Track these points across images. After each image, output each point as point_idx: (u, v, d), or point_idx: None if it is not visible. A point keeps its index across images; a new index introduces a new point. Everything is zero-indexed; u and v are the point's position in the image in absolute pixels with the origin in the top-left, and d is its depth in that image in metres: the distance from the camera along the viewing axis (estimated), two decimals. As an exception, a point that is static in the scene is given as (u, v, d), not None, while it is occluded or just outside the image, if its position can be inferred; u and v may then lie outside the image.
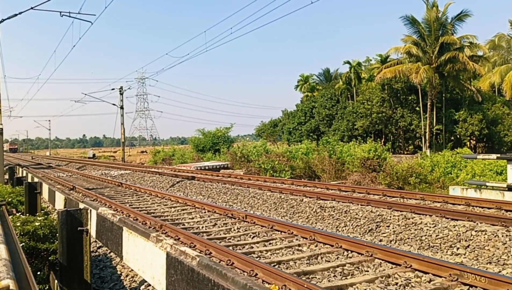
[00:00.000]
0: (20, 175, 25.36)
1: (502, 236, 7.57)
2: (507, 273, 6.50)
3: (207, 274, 4.92)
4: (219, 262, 6.70)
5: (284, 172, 25.53)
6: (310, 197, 12.81)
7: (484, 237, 7.72)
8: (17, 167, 31.15)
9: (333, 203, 11.72)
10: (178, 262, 5.53)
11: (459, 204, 10.89)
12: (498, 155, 13.76)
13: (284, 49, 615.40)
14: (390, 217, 9.70)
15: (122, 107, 44.82)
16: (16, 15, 17.86)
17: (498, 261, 6.93)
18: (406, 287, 5.74)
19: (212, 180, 19.01)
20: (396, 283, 5.92)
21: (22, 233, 7.88)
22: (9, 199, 13.53)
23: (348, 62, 53.30)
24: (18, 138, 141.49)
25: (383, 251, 7.05)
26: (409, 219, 9.36)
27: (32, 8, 17.49)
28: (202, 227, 10.21)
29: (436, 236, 8.28)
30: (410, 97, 41.76)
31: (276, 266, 6.67)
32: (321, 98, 53.50)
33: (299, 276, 6.00)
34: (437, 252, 7.75)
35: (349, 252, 7.45)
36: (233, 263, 6.74)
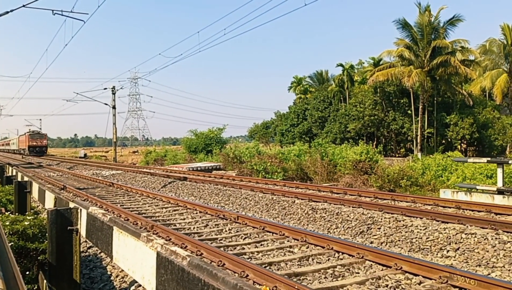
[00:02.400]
0: (10, 174, 25.11)
1: (492, 239, 7.63)
2: (496, 275, 6.55)
3: (197, 274, 4.90)
4: (210, 263, 6.68)
5: (276, 173, 25.55)
6: (302, 199, 12.82)
7: (474, 240, 7.77)
8: (7, 166, 30.84)
9: (324, 205, 11.73)
10: (169, 262, 5.50)
11: (450, 207, 10.96)
12: (489, 159, 13.88)
13: (278, 50, 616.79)
14: (381, 219, 9.73)
15: (114, 107, 44.60)
16: (7, 12, 17.69)
17: (488, 263, 6.99)
18: (396, 289, 5.76)
19: (204, 181, 18.96)
20: (387, 285, 5.94)
21: (11, 233, 7.80)
22: (-2, 198, 13.39)
23: (341, 65, 53.46)
24: (8, 137, 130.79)
25: (374, 253, 7.07)
26: (400, 221, 9.40)
27: (24, 6, 17.31)
28: (194, 228, 10.17)
29: (427, 238, 8.32)
30: (402, 100, 42.01)
31: (267, 267, 6.66)
32: (314, 100, 53.62)
33: (290, 278, 6.00)
34: (428, 255, 7.79)
35: (340, 253, 7.47)
36: (224, 264, 6.72)
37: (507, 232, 7.86)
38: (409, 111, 40.98)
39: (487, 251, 7.33)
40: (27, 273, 7.35)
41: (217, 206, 14.01)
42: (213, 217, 11.35)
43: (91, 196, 15.35)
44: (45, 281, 6.29)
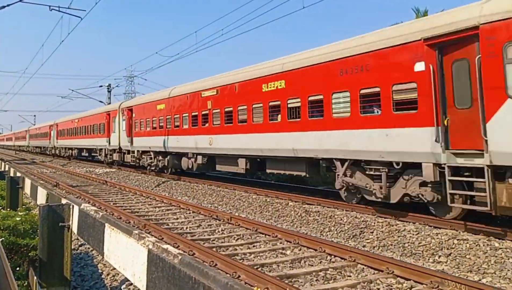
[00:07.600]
0: (2, 169, 24.96)
1: (483, 245, 7.66)
2: (487, 281, 6.57)
3: (188, 271, 4.89)
4: (202, 262, 6.66)
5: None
6: (295, 201, 12.82)
7: (466, 246, 7.80)
8: (0, 161, 30.66)
9: (318, 208, 11.74)
10: (160, 259, 5.49)
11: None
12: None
13: (274, 51, 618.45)
14: (374, 223, 9.75)
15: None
16: (4, 7, 17.58)
17: (479, 269, 7.01)
18: (387, 292, 5.77)
19: (198, 181, 18.92)
20: (378, 289, 5.96)
21: (2, 228, 7.76)
22: (-10, 193, 13.29)
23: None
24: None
25: (366, 257, 7.09)
26: (392, 225, 9.41)
27: (21, 1, 17.23)
28: (186, 228, 10.15)
29: (419, 243, 8.34)
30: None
31: (259, 269, 6.65)
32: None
33: (281, 280, 5.99)
34: (419, 259, 7.81)
35: (333, 256, 7.47)
36: (216, 264, 6.72)
37: (499, 239, 7.90)
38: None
39: (479, 257, 7.36)
40: (17, 269, 7.29)
41: (211, 206, 13.98)
42: (206, 218, 11.33)
43: (84, 193, 15.30)
44: (35, 277, 6.24)
